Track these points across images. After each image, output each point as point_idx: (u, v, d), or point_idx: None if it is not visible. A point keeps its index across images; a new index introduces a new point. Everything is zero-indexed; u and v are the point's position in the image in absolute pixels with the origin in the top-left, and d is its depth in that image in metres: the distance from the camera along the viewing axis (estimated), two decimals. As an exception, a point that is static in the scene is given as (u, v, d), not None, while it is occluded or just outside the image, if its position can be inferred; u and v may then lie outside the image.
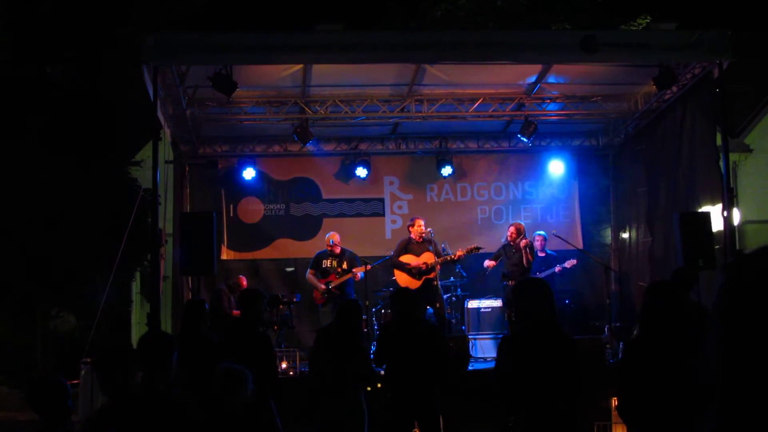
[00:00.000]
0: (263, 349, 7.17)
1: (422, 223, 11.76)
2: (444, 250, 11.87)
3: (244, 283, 12.38)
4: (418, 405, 7.03)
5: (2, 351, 14.52)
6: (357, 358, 7.22)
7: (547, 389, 4.80)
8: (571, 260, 12.29)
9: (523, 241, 11.81)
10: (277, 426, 7.12)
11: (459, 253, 11.59)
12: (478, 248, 11.80)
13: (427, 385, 7.03)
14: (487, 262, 12.19)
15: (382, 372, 7.37)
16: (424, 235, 11.66)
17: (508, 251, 12.04)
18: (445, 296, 11.95)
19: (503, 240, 12.19)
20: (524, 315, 5.08)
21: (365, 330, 11.22)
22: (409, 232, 11.86)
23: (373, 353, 7.53)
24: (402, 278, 11.63)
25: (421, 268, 11.50)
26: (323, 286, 11.75)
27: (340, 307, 7.54)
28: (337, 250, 11.96)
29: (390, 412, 7.08)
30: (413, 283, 11.48)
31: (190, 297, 12.45)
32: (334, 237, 12.05)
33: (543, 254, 12.27)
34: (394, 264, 11.73)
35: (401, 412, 7.04)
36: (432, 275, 11.47)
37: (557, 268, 12.11)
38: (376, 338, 7.60)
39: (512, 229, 12.06)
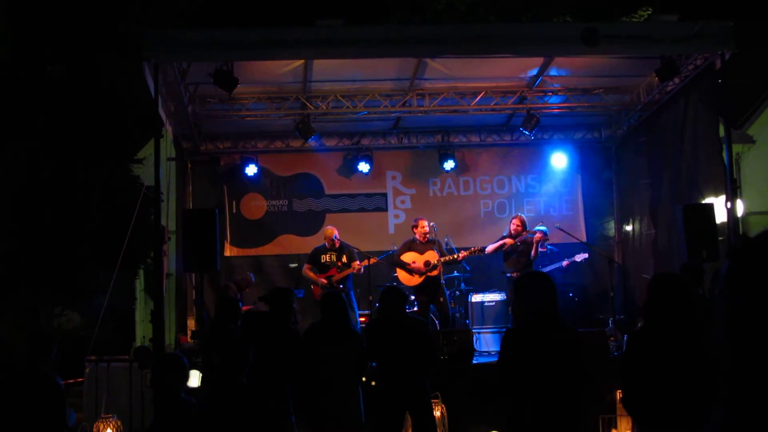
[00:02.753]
0: (292, 347, 7.18)
1: (425, 223, 11.69)
2: (447, 244, 11.85)
3: (252, 280, 12.39)
4: (407, 396, 7.20)
5: (6, 350, 14.53)
6: (351, 345, 7.27)
7: (551, 382, 4.79)
8: (582, 254, 12.24)
9: (538, 234, 11.74)
10: (292, 424, 7.13)
11: (462, 254, 11.57)
12: (482, 250, 11.74)
13: (416, 377, 7.21)
14: (489, 248, 11.99)
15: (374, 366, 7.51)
16: (428, 235, 11.64)
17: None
18: (448, 291, 11.94)
19: (504, 233, 12.08)
20: (526, 308, 5.06)
21: (364, 324, 11.23)
22: (414, 232, 11.80)
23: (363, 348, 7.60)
24: (403, 276, 11.62)
25: (421, 269, 11.47)
26: (324, 281, 11.68)
27: (323, 301, 7.59)
28: (336, 245, 11.89)
29: (380, 404, 7.21)
30: (413, 280, 11.49)
31: (194, 294, 12.48)
32: (332, 231, 11.98)
33: (543, 249, 12.17)
34: (396, 263, 11.71)
35: (391, 404, 7.22)
36: (434, 273, 11.45)
37: (564, 262, 12.08)
38: (364, 334, 7.69)
39: (517, 221, 11.94)
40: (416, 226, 11.74)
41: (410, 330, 7.36)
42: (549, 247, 12.29)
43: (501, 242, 11.84)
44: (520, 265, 11.63)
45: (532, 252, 11.67)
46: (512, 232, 11.89)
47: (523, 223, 11.91)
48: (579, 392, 4.85)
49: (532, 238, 11.70)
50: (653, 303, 4.93)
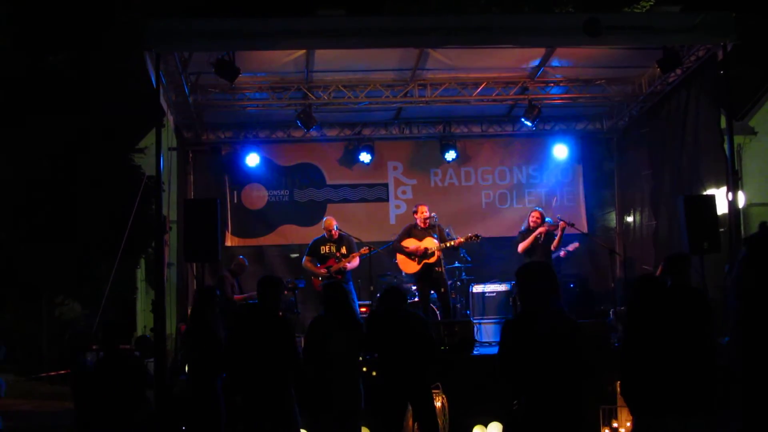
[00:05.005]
0: (285, 335, 7.17)
1: (425, 209, 11.67)
2: (449, 235, 11.82)
3: (245, 263, 12.39)
4: (408, 388, 7.35)
5: (8, 339, 14.57)
6: (356, 334, 7.35)
7: (550, 373, 4.79)
8: (574, 243, 12.24)
9: (561, 222, 11.69)
10: (295, 413, 7.13)
11: (459, 240, 11.47)
12: (477, 236, 11.62)
13: (416, 369, 7.34)
14: (522, 246, 11.74)
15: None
16: (428, 221, 11.60)
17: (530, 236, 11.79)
18: (449, 281, 11.92)
19: (523, 227, 11.94)
20: (527, 298, 5.06)
21: (364, 315, 11.22)
22: (414, 218, 11.79)
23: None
24: (402, 261, 11.60)
25: (419, 252, 11.43)
26: (324, 271, 11.64)
27: (326, 291, 7.61)
28: (335, 236, 11.81)
29: (382, 395, 7.34)
30: (412, 267, 11.47)
31: (195, 284, 12.48)
32: (331, 222, 11.88)
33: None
34: (396, 248, 11.68)
35: (392, 395, 7.36)
36: (432, 260, 11.39)
37: (561, 253, 12.06)
38: (365, 326, 7.73)
39: (537, 215, 11.75)
40: (416, 212, 11.72)
41: (409, 324, 7.47)
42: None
43: (535, 234, 11.60)
44: (542, 257, 11.52)
45: (555, 242, 11.63)
46: (531, 226, 11.76)
47: (542, 217, 11.83)
48: (579, 383, 4.85)
49: (556, 227, 11.65)
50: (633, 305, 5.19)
